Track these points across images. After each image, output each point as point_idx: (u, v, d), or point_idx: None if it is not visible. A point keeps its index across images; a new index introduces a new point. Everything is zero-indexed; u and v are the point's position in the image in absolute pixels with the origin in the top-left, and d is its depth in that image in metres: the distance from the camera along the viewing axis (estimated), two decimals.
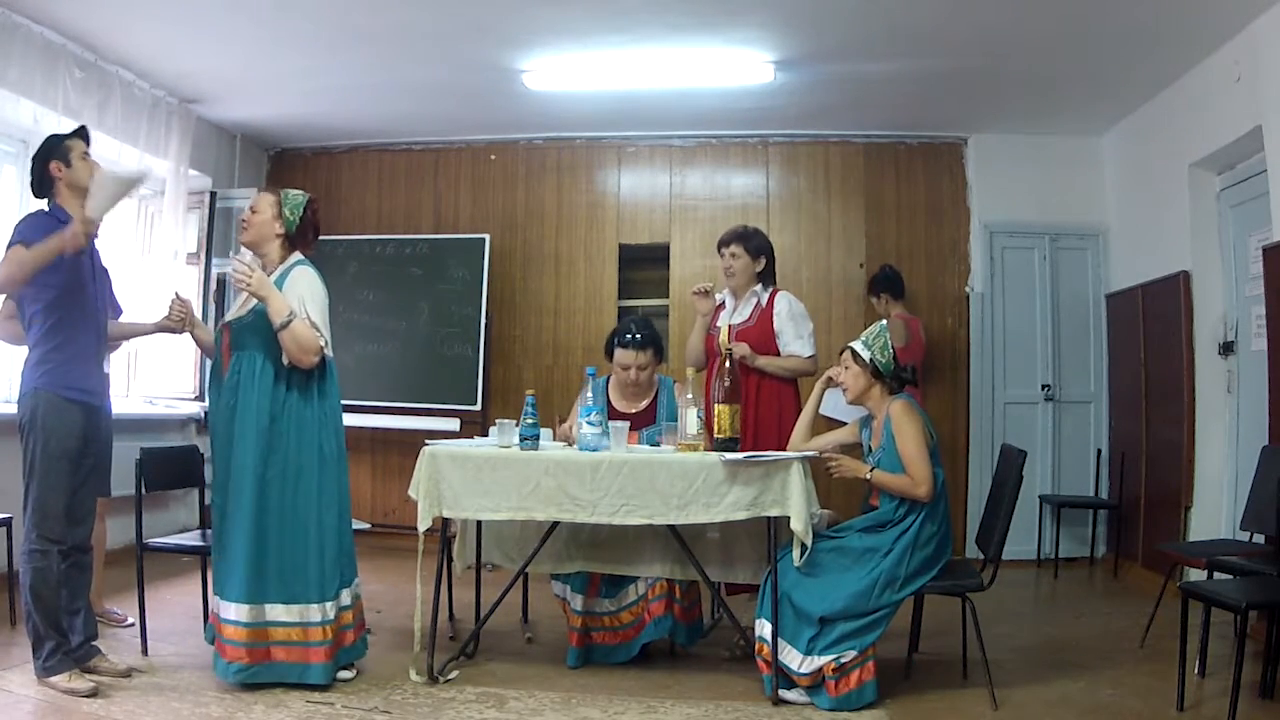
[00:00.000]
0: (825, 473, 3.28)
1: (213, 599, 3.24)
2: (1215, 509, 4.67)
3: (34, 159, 3.20)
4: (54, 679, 3.01)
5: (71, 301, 3.13)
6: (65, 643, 3.07)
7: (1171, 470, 4.91)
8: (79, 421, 3.09)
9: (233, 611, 3.09)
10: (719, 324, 3.86)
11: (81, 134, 3.25)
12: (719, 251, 3.93)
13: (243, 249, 3.37)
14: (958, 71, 4.96)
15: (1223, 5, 4.04)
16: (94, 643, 3.23)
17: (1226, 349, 4.71)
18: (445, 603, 3.73)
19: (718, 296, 4.01)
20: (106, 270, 3.51)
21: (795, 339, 3.80)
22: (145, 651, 3.49)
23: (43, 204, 3.24)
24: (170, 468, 3.73)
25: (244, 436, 3.13)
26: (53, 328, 3.08)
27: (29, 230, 3.03)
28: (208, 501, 4.21)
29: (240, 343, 3.19)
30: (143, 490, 3.53)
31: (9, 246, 3.03)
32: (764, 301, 3.85)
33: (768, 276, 3.90)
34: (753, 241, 3.86)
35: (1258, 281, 4.25)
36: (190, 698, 3.02)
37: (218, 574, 3.18)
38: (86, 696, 2.97)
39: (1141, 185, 5.48)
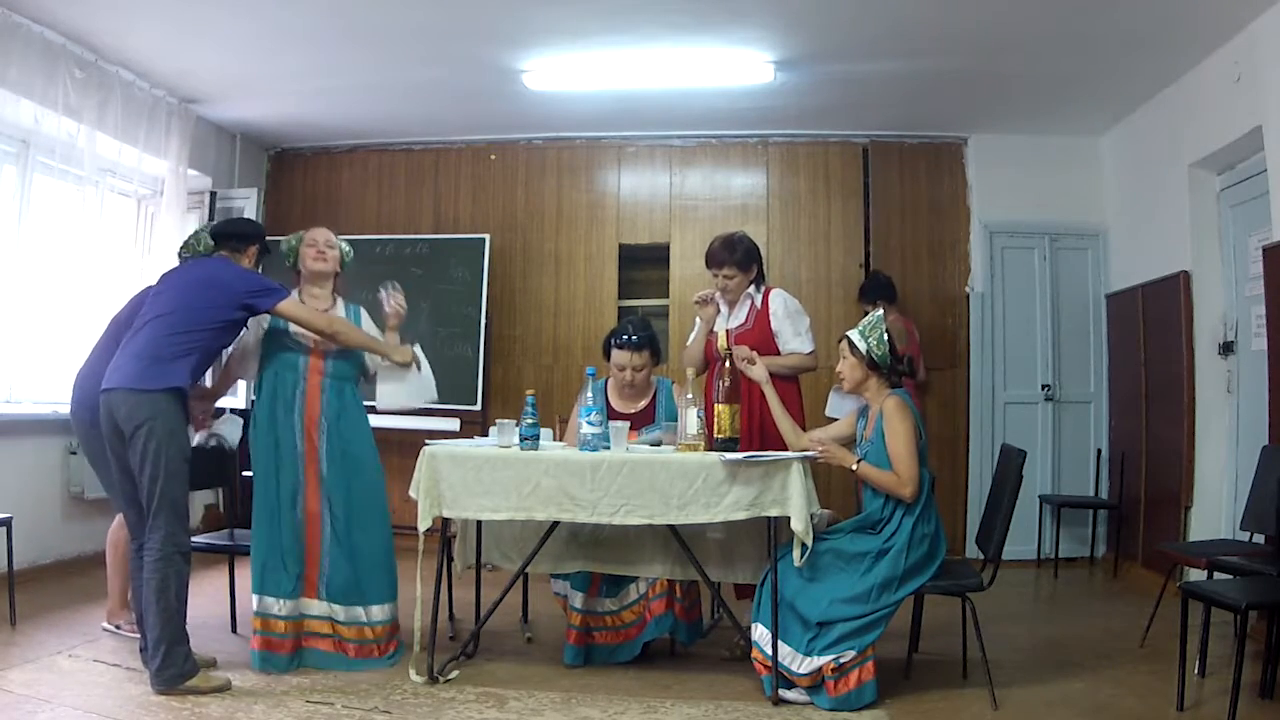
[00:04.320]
0: (815, 463, 3.25)
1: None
2: (1215, 509, 4.67)
3: (252, 224, 3.83)
4: (192, 682, 3.03)
5: (216, 353, 3.41)
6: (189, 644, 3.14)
7: (1171, 470, 4.91)
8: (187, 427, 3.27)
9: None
10: (716, 329, 3.86)
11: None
12: (710, 271, 3.86)
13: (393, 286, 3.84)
14: (958, 71, 4.96)
15: (1222, 5, 4.04)
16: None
17: (1226, 349, 4.71)
18: (445, 603, 3.73)
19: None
20: None
21: (794, 336, 3.79)
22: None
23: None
24: (203, 467, 3.69)
25: (364, 456, 3.55)
26: (208, 356, 3.31)
27: (275, 282, 3.39)
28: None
29: (338, 372, 3.57)
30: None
31: (283, 295, 3.33)
32: (758, 302, 3.83)
33: (760, 277, 3.89)
34: (739, 254, 3.79)
35: (1258, 281, 4.25)
36: (190, 698, 3.01)
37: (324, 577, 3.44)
38: (225, 690, 3.07)
39: (1141, 185, 5.48)
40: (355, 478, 3.52)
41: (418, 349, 3.77)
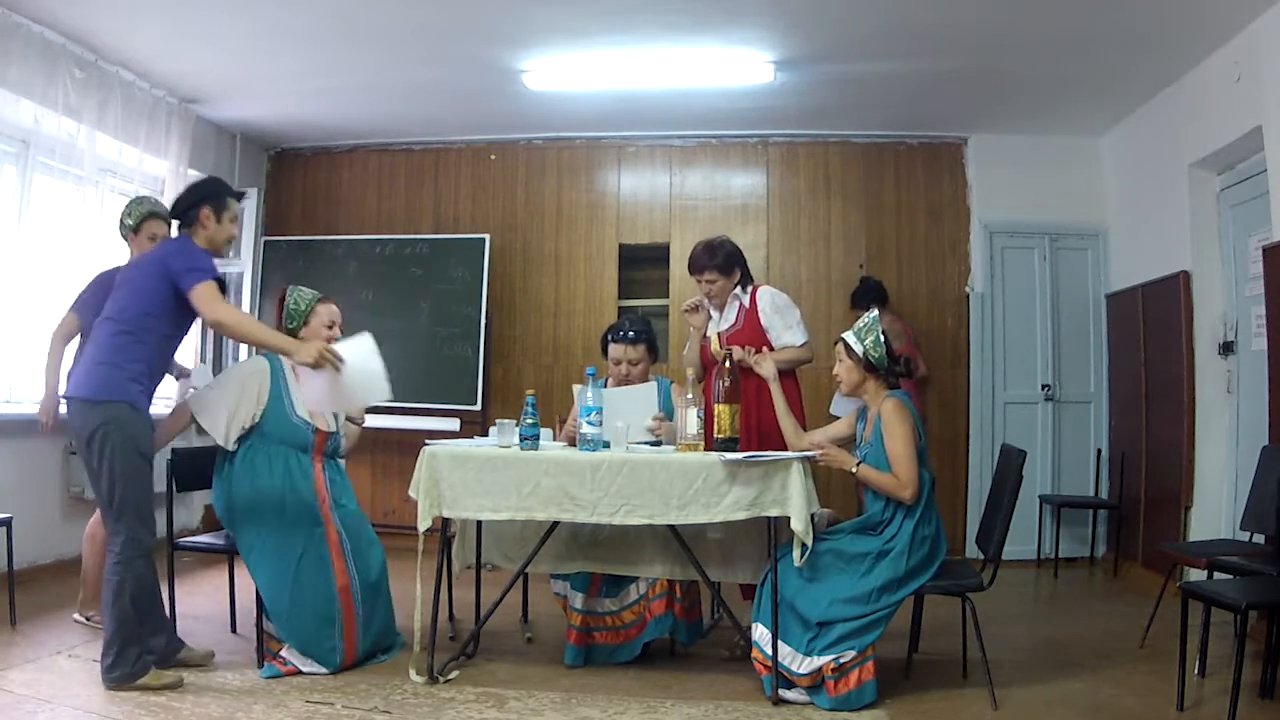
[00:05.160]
0: (815, 464, 3.25)
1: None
2: (1215, 509, 4.67)
3: (193, 189, 3.37)
4: (143, 680, 3.04)
5: (177, 336, 3.32)
6: (151, 644, 3.13)
7: (1171, 470, 4.91)
8: (150, 429, 3.21)
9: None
10: (709, 334, 3.86)
11: (241, 196, 3.46)
12: (693, 277, 3.86)
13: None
14: (958, 71, 4.96)
15: (1223, 5, 4.04)
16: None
17: (1226, 349, 4.71)
18: (445, 603, 3.73)
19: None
20: None
21: (785, 330, 3.77)
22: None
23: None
24: (201, 467, 3.67)
25: (360, 514, 3.66)
26: (164, 344, 3.23)
27: (208, 263, 3.19)
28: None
29: (334, 449, 3.67)
30: (174, 490, 3.56)
31: (200, 278, 3.10)
32: (746, 302, 3.83)
33: (745, 279, 3.87)
34: (720, 258, 3.78)
35: (1258, 281, 4.25)
36: (190, 698, 3.02)
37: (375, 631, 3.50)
38: (178, 688, 3.07)
39: (1141, 185, 5.48)
40: (365, 539, 3.55)
41: (364, 340, 3.46)
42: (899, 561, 3.08)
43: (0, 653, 3.41)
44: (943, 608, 3.45)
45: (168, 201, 5.25)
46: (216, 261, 3.28)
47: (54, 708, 2.90)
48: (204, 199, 3.29)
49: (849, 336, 3.33)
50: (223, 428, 3.41)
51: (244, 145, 6.34)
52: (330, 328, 3.67)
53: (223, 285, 3.22)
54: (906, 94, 5.35)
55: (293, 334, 3.61)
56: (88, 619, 3.82)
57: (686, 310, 3.93)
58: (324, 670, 3.31)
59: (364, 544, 3.53)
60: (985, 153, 6.03)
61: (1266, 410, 4.02)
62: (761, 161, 6.24)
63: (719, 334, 3.80)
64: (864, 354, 3.27)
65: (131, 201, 4.06)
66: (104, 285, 3.61)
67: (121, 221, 3.99)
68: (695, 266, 3.83)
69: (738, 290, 3.85)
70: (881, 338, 3.28)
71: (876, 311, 3.44)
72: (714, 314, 3.91)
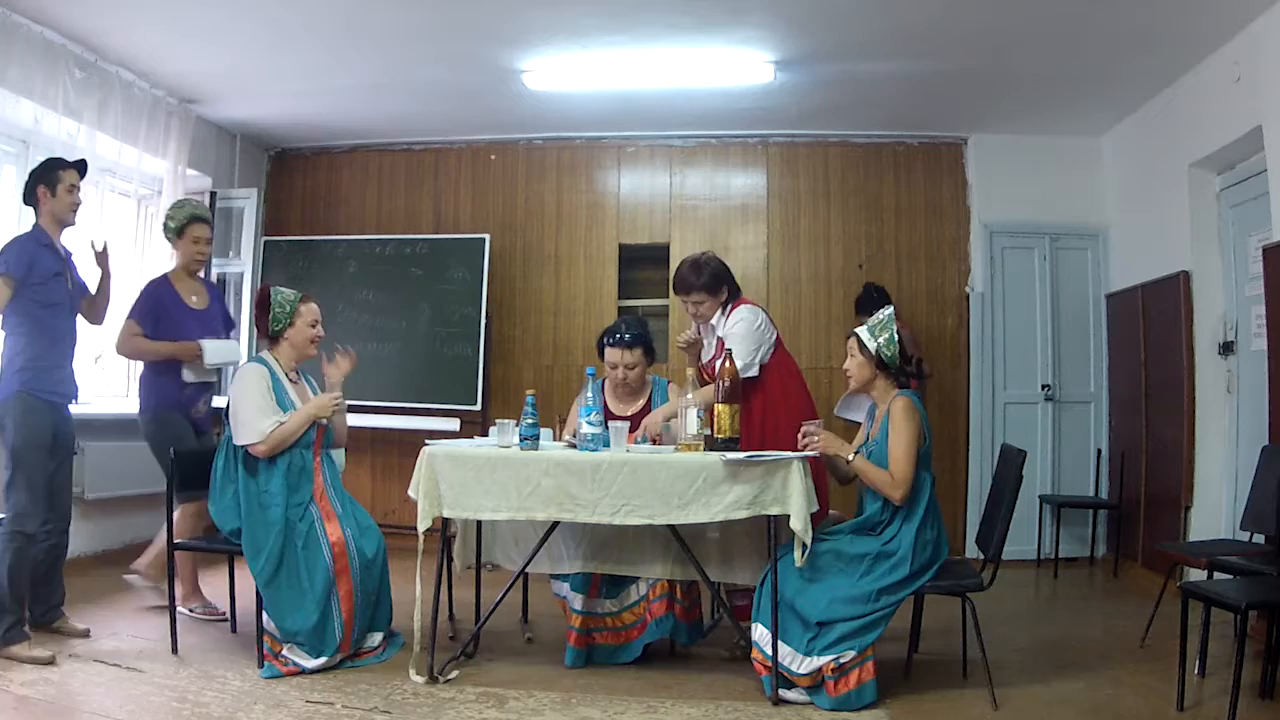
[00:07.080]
0: (804, 448, 3.21)
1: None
2: (1215, 509, 4.67)
3: (31, 173, 3.60)
4: (14, 649, 3.26)
5: (51, 313, 3.52)
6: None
7: (1171, 470, 4.91)
8: (51, 419, 3.48)
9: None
10: (703, 359, 3.83)
11: (79, 166, 3.61)
12: (679, 297, 3.79)
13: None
14: (958, 71, 4.96)
15: (1223, 5, 4.05)
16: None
17: (1226, 349, 4.71)
18: (445, 603, 3.73)
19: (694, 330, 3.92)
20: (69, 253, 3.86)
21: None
22: (175, 650, 3.50)
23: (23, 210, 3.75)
24: (201, 467, 3.65)
25: (356, 504, 3.73)
26: (35, 335, 3.46)
27: (13, 261, 3.37)
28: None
29: (328, 440, 3.72)
30: (174, 490, 3.56)
31: None
32: (721, 330, 3.73)
33: (731, 295, 3.77)
34: (706, 276, 3.69)
35: (1258, 281, 4.25)
36: (190, 698, 3.02)
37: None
38: (48, 664, 3.27)
39: (1141, 185, 5.48)
40: (362, 526, 3.58)
41: None
42: (902, 565, 3.08)
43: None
44: (943, 608, 3.45)
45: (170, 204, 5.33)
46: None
47: (56, 708, 2.90)
48: (37, 180, 3.54)
49: (863, 332, 3.32)
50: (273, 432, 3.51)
51: (244, 145, 6.34)
52: (314, 325, 3.69)
53: (22, 278, 3.39)
54: (906, 94, 5.35)
55: (278, 336, 3.65)
56: (190, 610, 3.99)
57: (683, 347, 3.85)
58: (323, 659, 3.31)
59: (361, 531, 3.54)
60: (985, 153, 6.03)
61: (1266, 410, 4.02)
62: (761, 162, 6.23)
63: (702, 366, 3.77)
64: (876, 351, 3.26)
65: (174, 205, 4.22)
66: (151, 296, 4.03)
67: (165, 225, 4.17)
68: (682, 287, 3.75)
69: (717, 318, 3.75)
70: (895, 336, 3.27)
71: (891, 309, 3.41)
72: (705, 341, 3.86)
